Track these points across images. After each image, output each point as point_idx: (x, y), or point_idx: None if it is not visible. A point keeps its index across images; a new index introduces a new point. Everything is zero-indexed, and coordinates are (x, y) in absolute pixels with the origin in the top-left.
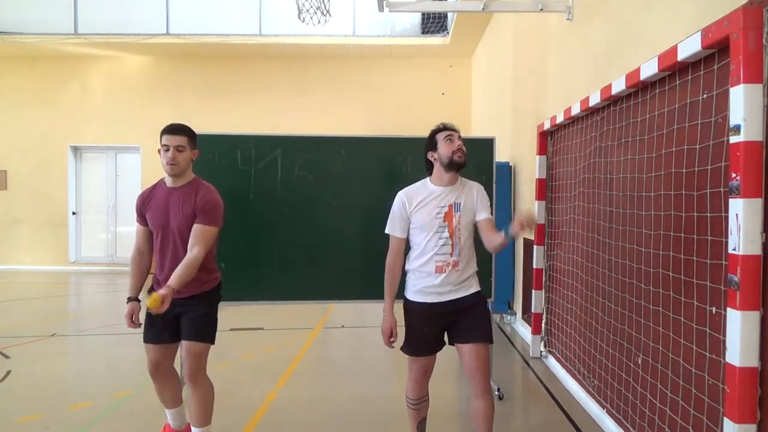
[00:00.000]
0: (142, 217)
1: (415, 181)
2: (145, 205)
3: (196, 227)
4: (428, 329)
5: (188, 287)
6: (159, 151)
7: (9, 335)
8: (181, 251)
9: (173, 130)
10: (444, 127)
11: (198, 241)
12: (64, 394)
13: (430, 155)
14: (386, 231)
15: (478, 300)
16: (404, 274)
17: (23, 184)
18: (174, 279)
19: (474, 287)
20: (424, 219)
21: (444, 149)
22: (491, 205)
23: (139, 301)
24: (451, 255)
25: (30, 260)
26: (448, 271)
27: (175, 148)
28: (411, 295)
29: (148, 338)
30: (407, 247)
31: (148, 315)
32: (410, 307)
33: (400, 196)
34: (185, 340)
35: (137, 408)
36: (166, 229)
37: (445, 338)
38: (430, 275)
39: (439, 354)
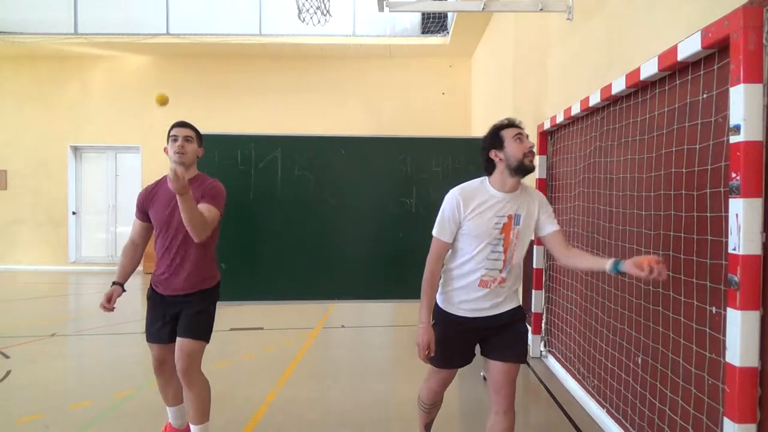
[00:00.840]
0: (142, 212)
1: (414, 181)
2: (147, 200)
3: (201, 205)
4: (461, 343)
5: (188, 283)
6: (165, 149)
7: (9, 335)
8: (185, 247)
9: (182, 123)
10: (511, 123)
11: (205, 212)
12: (64, 394)
13: (494, 155)
14: (433, 233)
15: (517, 317)
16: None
17: (23, 184)
18: (190, 198)
19: (515, 302)
20: (479, 228)
21: (513, 150)
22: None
23: (123, 288)
24: (501, 271)
25: (30, 260)
26: (493, 287)
27: (184, 138)
28: (446, 305)
29: (149, 337)
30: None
31: (149, 314)
32: (444, 318)
33: (455, 196)
34: (179, 337)
35: (137, 408)
36: (170, 225)
37: (476, 349)
38: (471, 288)
39: None
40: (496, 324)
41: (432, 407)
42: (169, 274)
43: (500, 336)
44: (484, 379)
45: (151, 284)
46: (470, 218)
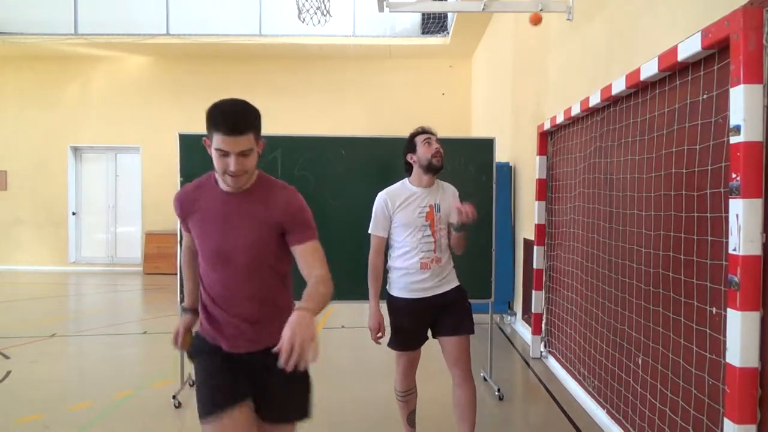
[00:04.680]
0: (186, 224)
1: None
2: (186, 211)
3: (301, 249)
4: (414, 324)
5: (266, 334)
6: (204, 140)
7: (9, 335)
8: (246, 283)
9: (236, 128)
10: (423, 131)
11: (314, 262)
12: (64, 394)
13: (410, 157)
14: (369, 231)
15: (460, 295)
16: (386, 272)
17: (23, 184)
18: (312, 300)
19: (455, 282)
20: (407, 218)
21: (423, 152)
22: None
23: (196, 313)
24: (434, 251)
25: (30, 260)
26: (432, 267)
27: (239, 153)
28: (396, 292)
29: (212, 409)
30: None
31: (205, 377)
32: (396, 303)
33: (383, 197)
34: (267, 420)
35: (137, 408)
36: (223, 251)
37: (428, 333)
38: (416, 272)
39: (435, 353)
40: (442, 302)
41: (407, 395)
42: (236, 322)
43: (448, 314)
44: (484, 379)
45: (199, 333)
46: (398, 212)
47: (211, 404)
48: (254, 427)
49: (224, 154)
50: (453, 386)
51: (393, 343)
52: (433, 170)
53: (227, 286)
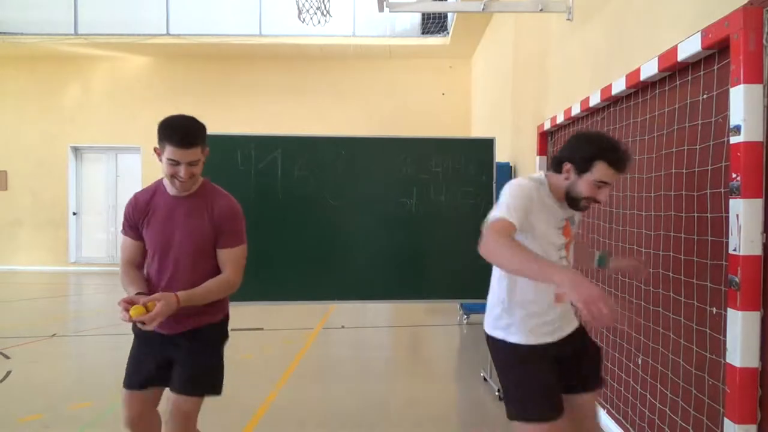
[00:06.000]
0: (134, 229)
1: (414, 182)
2: (140, 216)
3: (222, 253)
4: (553, 376)
5: (192, 317)
6: (156, 151)
7: (9, 335)
8: (184, 272)
9: (185, 141)
10: (618, 163)
11: (229, 265)
12: (64, 394)
13: (567, 169)
14: (495, 215)
15: (585, 335)
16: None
17: (23, 184)
18: (188, 293)
19: (575, 319)
20: (544, 228)
21: (585, 189)
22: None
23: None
24: None
25: (30, 260)
26: (566, 299)
27: (188, 163)
28: (519, 337)
29: (132, 383)
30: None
31: (136, 355)
32: (524, 353)
33: (530, 184)
34: (174, 392)
35: None
36: (168, 248)
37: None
38: (548, 307)
39: (439, 351)
40: (571, 347)
41: None
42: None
43: (579, 364)
44: (485, 379)
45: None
46: (538, 214)
47: (132, 379)
48: (158, 395)
49: (175, 163)
50: None
51: (531, 411)
52: (572, 205)
53: (170, 275)
